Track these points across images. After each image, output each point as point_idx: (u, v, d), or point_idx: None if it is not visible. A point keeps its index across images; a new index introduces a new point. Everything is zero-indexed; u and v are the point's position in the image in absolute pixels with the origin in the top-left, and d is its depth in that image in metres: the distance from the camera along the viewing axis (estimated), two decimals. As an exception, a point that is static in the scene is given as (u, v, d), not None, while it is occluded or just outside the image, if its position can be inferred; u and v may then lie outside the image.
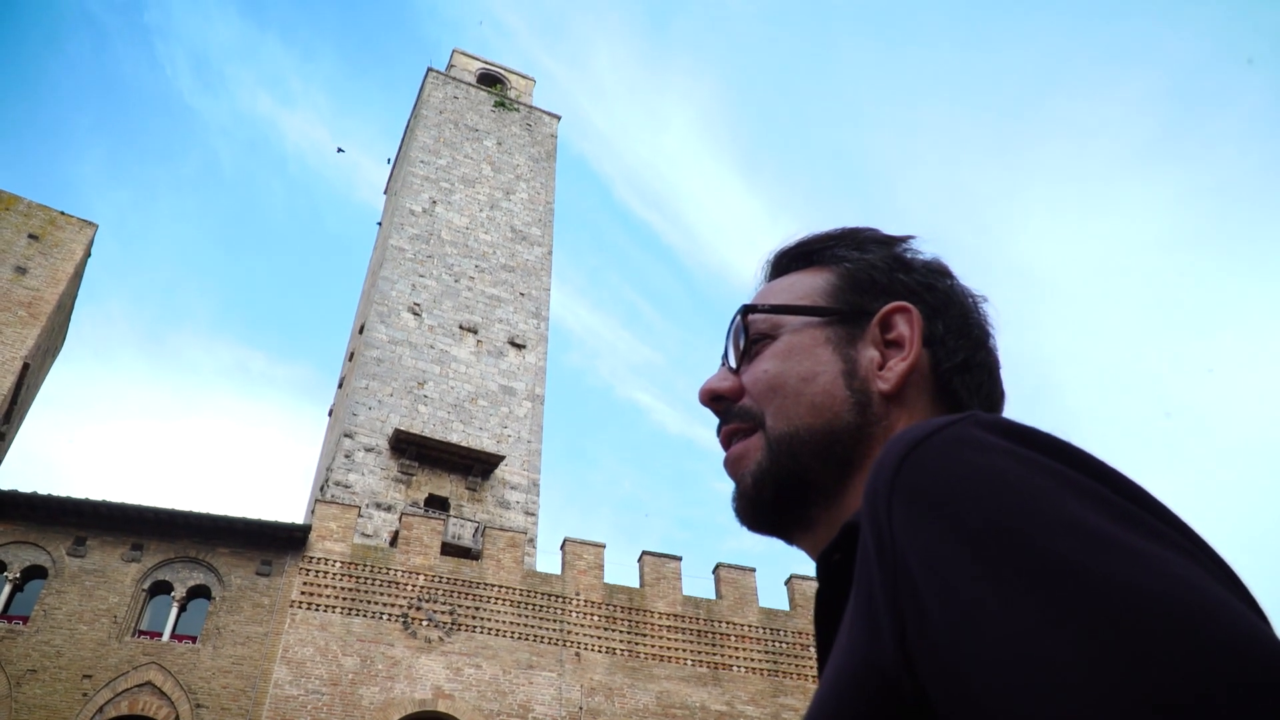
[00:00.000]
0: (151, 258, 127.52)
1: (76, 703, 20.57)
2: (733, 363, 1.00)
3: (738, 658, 26.10)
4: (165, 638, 22.35)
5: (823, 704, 0.67)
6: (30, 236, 29.94)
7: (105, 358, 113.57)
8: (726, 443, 0.97)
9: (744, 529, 0.96)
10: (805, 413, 0.91)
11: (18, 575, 22.25)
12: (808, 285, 1.01)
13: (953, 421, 0.68)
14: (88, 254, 31.73)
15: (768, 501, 0.92)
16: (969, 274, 1.02)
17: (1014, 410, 1.02)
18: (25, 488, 22.90)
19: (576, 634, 25.23)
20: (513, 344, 36.30)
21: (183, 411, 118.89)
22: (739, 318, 1.01)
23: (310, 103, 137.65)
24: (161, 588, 23.11)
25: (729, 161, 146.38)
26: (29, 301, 28.62)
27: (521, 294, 38.54)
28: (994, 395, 0.97)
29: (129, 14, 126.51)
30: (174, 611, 22.82)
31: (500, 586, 25.18)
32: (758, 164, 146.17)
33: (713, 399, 0.99)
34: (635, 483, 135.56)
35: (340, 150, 54.96)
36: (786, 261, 1.07)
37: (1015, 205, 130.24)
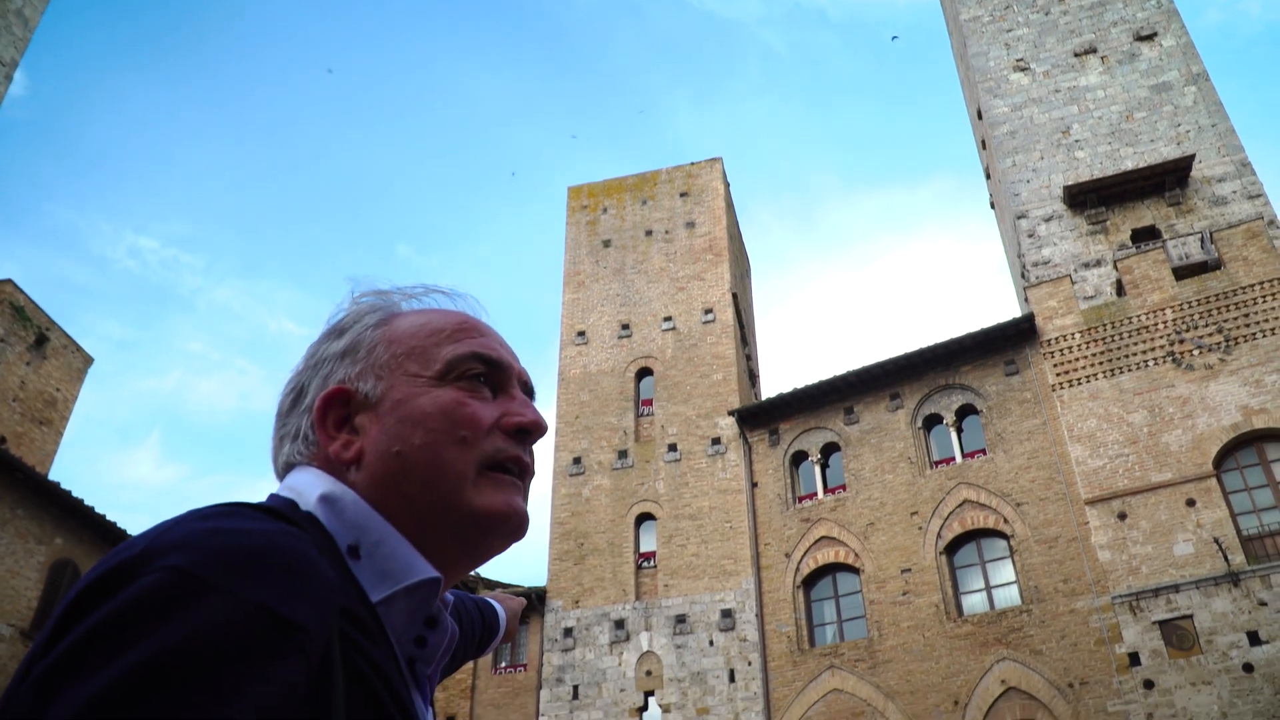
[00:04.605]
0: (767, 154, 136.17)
1: (915, 533, 23.31)
2: None
3: None
4: (959, 459, 24.11)
5: None
6: (681, 194, 34.44)
7: (775, 258, 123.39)
8: None
9: None
10: None
11: (819, 455, 25.88)
12: None
13: None
14: (725, 183, 35.42)
15: None
16: None
17: None
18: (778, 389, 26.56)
19: (1382, 293, 21.44)
20: (1140, 39, 31.92)
21: (856, 267, 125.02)
22: None
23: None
24: (932, 420, 24.99)
25: None
26: (708, 246, 32.97)
27: (1122, -17, 33.66)
28: None
29: None
30: (953, 434, 24.50)
31: (1262, 283, 22.46)
32: None
33: None
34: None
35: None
36: None
37: None
